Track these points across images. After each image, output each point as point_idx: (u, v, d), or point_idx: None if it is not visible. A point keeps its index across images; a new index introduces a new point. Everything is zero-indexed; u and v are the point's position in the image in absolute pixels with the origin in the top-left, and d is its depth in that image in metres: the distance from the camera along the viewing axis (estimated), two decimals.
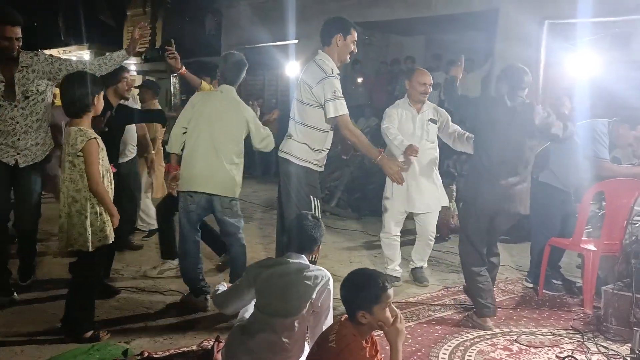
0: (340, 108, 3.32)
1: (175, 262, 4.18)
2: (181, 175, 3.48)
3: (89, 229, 2.85)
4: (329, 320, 2.44)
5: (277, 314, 2.40)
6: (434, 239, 4.42)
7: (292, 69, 10.65)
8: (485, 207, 3.46)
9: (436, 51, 10.34)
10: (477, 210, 3.49)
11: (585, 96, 6.97)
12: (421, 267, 4.40)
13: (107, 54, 3.63)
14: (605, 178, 3.95)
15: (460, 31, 9.76)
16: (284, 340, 2.39)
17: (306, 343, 2.48)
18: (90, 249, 2.87)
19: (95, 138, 2.85)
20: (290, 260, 2.50)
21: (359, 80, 10.38)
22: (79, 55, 15.44)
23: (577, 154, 4.04)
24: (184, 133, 3.48)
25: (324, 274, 2.45)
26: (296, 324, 2.40)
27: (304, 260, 2.49)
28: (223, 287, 2.82)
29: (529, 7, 7.64)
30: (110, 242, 2.97)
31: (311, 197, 3.46)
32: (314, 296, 2.38)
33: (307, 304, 2.38)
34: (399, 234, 4.34)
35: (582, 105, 6.95)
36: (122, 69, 3.78)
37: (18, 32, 3.24)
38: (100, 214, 2.89)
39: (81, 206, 2.85)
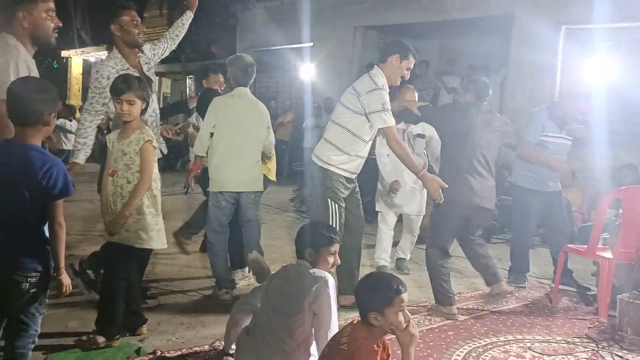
0: (388, 120, 3.47)
1: (247, 270, 4.15)
2: (212, 178, 3.71)
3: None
4: (334, 325, 2.41)
5: (275, 312, 2.44)
6: (416, 237, 4.90)
7: (306, 71, 10.69)
8: (462, 206, 3.71)
9: (451, 55, 10.32)
10: (454, 209, 3.70)
11: (602, 102, 6.91)
12: (404, 259, 4.85)
13: (177, 20, 3.71)
14: (526, 159, 4.37)
15: (475, 36, 9.73)
16: (285, 341, 2.39)
17: (314, 350, 2.47)
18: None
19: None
20: (293, 264, 2.56)
21: None
22: (97, 56, 15.62)
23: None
24: (210, 137, 3.69)
25: (324, 275, 2.43)
26: (296, 325, 2.39)
27: (305, 263, 2.51)
28: None
29: (546, 12, 7.59)
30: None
31: (329, 200, 3.53)
32: (311, 296, 2.37)
33: (305, 303, 2.37)
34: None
35: (598, 111, 6.90)
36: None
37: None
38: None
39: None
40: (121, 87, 2.78)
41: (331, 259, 2.52)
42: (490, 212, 3.85)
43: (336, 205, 3.54)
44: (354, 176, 3.68)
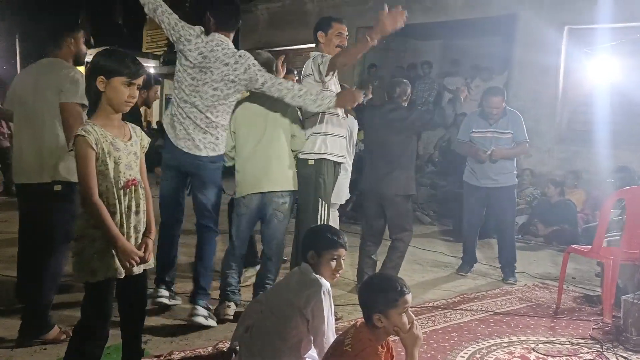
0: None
1: (257, 268, 3.99)
2: (237, 183, 3.46)
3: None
4: (330, 331, 2.40)
5: (270, 312, 2.47)
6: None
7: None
8: (371, 194, 4.20)
9: (453, 56, 10.30)
10: (365, 197, 4.28)
11: (605, 102, 6.90)
12: None
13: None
14: (462, 154, 5.00)
15: (478, 36, 9.71)
16: (276, 342, 2.40)
17: (314, 353, 2.46)
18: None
19: (81, 135, 2.09)
20: (298, 268, 2.56)
21: (375, 83, 10.37)
22: None
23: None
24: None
25: (319, 282, 2.42)
26: (287, 328, 2.40)
27: (307, 267, 2.50)
28: None
29: (549, 12, 7.58)
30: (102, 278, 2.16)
31: (320, 200, 3.42)
32: (302, 300, 2.37)
33: (296, 307, 2.37)
34: None
35: (602, 111, 6.89)
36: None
37: None
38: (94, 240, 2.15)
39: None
40: (137, 68, 2.18)
41: (334, 264, 2.47)
42: (397, 197, 4.11)
43: (326, 205, 3.43)
44: (342, 161, 3.58)
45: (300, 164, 3.46)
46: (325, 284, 2.41)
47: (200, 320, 3.12)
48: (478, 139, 4.74)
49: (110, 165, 2.14)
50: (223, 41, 3.23)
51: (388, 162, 4.10)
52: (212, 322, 3.17)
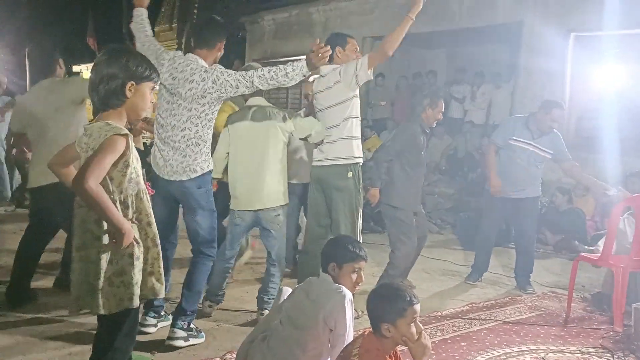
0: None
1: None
2: (231, 195, 3.55)
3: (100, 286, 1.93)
4: (349, 341, 2.39)
5: (289, 324, 2.43)
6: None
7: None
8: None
9: (459, 64, 10.32)
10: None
11: (613, 109, 6.87)
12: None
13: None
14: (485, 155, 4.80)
15: (483, 44, 9.73)
16: (297, 355, 2.37)
17: None
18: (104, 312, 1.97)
19: (126, 134, 1.96)
20: (316, 278, 2.54)
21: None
22: None
23: (514, 161, 4.54)
24: (225, 157, 3.54)
25: (342, 291, 2.40)
26: (309, 339, 2.37)
27: (327, 278, 2.49)
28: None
29: (554, 19, 7.57)
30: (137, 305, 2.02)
31: (360, 210, 3.55)
32: (326, 310, 2.35)
33: (320, 317, 2.35)
34: None
35: (610, 118, 6.85)
36: None
37: None
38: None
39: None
40: (157, 71, 2.12)
41: (355, 276, 2.47)
42: (385, 205, 4.17)
43: (361, 211, 3.56)
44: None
45: (338, 174, 3.52)
46: (348, 293, 2.40)
47: (179, 343, 3.03)
48: (516, 148, 4.54)
49: (140, 172, 2.04)
50: (192, 60, 3.08)
51: (390, 174, 4.26)
52: (194, 340, 3.09)
